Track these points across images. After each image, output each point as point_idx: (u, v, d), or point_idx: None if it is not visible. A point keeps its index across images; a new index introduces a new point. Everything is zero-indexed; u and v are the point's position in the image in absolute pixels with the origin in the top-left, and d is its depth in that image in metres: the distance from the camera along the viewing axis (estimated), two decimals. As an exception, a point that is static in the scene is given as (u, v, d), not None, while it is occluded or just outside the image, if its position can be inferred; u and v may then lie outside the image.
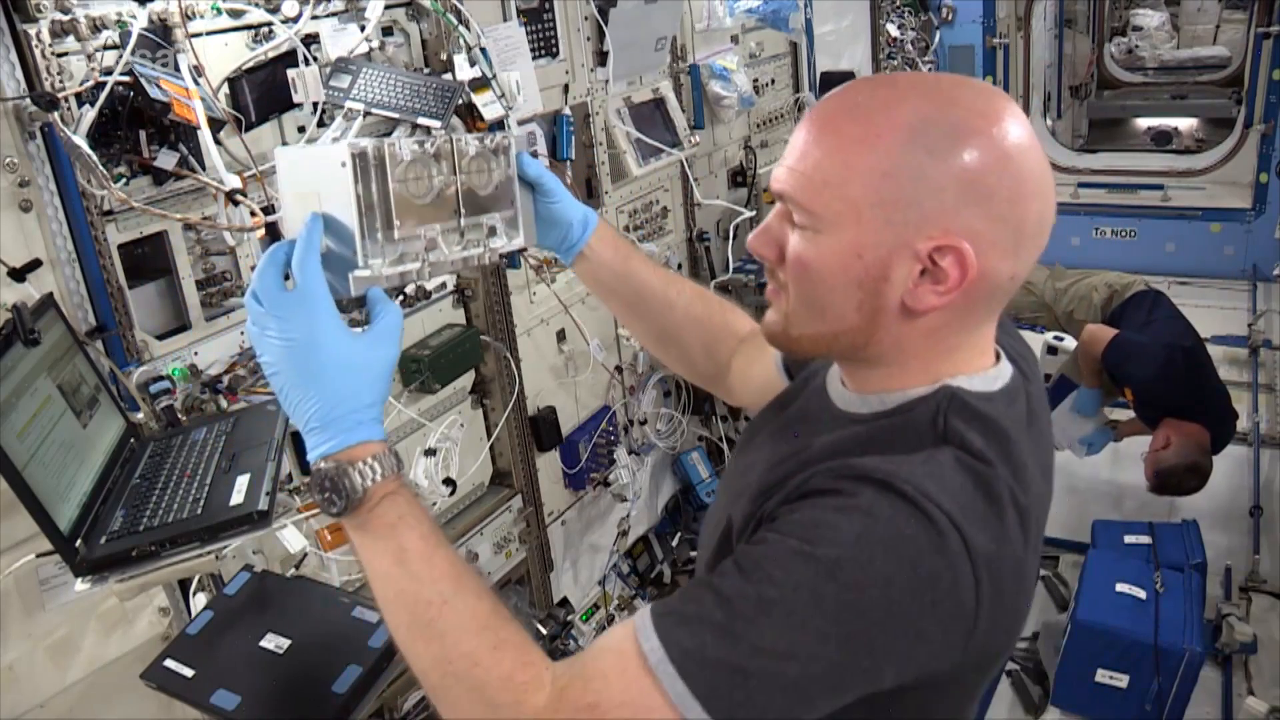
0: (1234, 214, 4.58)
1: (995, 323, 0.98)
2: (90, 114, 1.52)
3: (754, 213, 3.50)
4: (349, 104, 1.88)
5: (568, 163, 2.69)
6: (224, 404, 1.79)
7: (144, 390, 1.66)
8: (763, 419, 1.15)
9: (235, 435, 1.55)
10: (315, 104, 1.87)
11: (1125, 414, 3.33)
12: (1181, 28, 8.50)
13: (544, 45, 2.61)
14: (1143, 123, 7.36)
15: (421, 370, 2.25)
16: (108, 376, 1.59)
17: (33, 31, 1.51)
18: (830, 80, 3.86)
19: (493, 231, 1.10)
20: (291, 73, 1.84)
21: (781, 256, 0.95)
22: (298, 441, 1.90)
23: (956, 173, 0.86)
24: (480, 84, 2.16)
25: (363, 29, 1.99)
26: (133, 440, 1.57)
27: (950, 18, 4.95)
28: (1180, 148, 6.64)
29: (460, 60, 2.15)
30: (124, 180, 1.61)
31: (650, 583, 3.38)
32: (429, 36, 2.22)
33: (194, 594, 1.71)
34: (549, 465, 2.81)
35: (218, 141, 1.66)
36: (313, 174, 0.99)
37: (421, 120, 1.93)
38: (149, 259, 1.78)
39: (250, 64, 1.80)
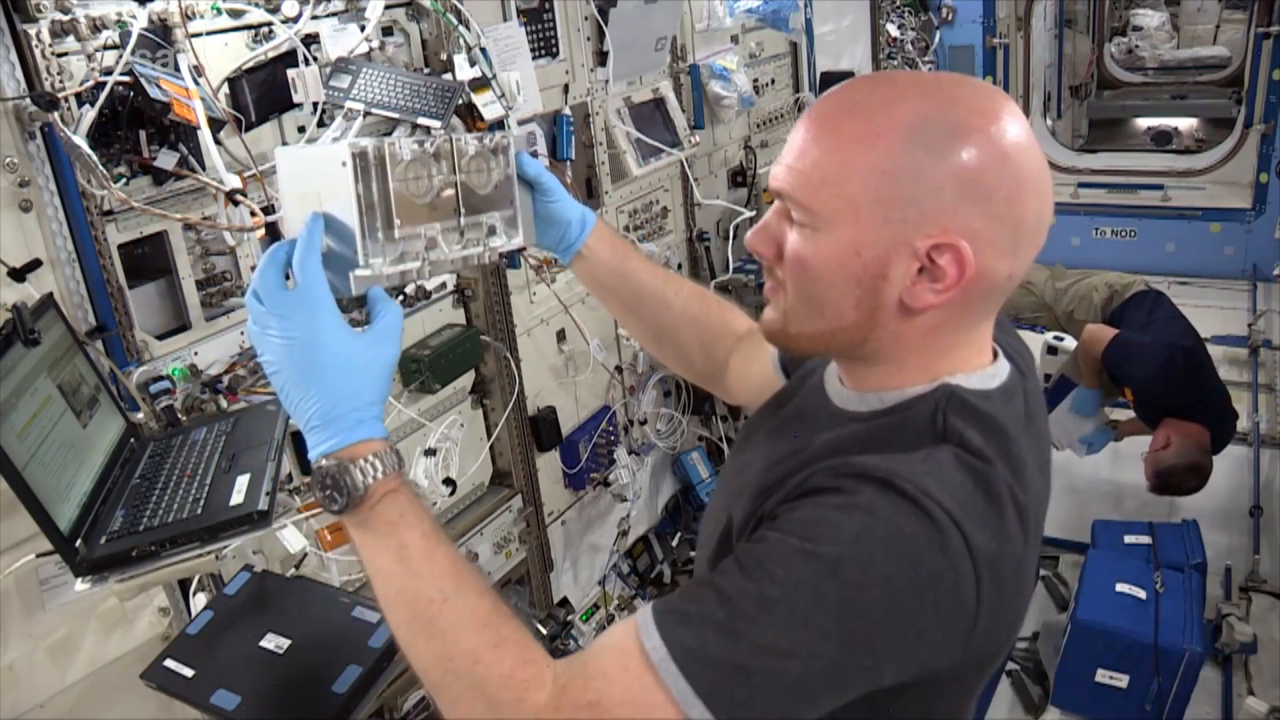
0: (1234, 214, 4.58)
1: (993, 321, 0.99)
2: (90, 114, 1.52)
3: (754, 213, 3.50)
4: (349, 104, 1.88)
5: (568, 163, 2.69)
6: (224, 404, 1.79)
7: (144, 390, 1.66)
8: (760, 417, 1.15)
9: (235, 435, 1.55)
10: (315, 104, 1.87)
11: (1125, 414, 3.33)
12: (1181, 28, 8.50)
13: (544, 45, 2.61)
14: (1143, 123, 7.36)
15: (421, 370, 2.25)
16: (108, 376, 1.59)
17: (33, 31, 1.51)
18: (830, 80, 3.86)
19: (492, 231, 1.10)
20: (291, 73, 1.84)
21: (780, 254, 0.95)
22: (298, 441, 1.90)
23: (955, 171, 0.86)
24: (480, 84, 2.16)
25: (363, 29, 1.99)
26: (133, 440, 1.57)
27: (950, 18, 4.95)
28: (1180, 148, 6.64)
29: (460, 60, 2.15)
30: (124, 180, 1.61)
31: (650, 583, 3.38)
32: (429, 36, 2.22)
33: (194, 594, 1.71)
34: (549, 465, 2.81)
35: (218, 141, 1.66)
36: (313, 174, 0.99)
37: (421, 120, 1.93)
38: (149, 259, 1.78)
39: (250, 64, 1.80)
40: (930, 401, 0.92)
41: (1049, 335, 3.55)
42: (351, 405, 0.93)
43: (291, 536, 1.75)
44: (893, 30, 4.63)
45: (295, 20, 1.84)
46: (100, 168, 1.51)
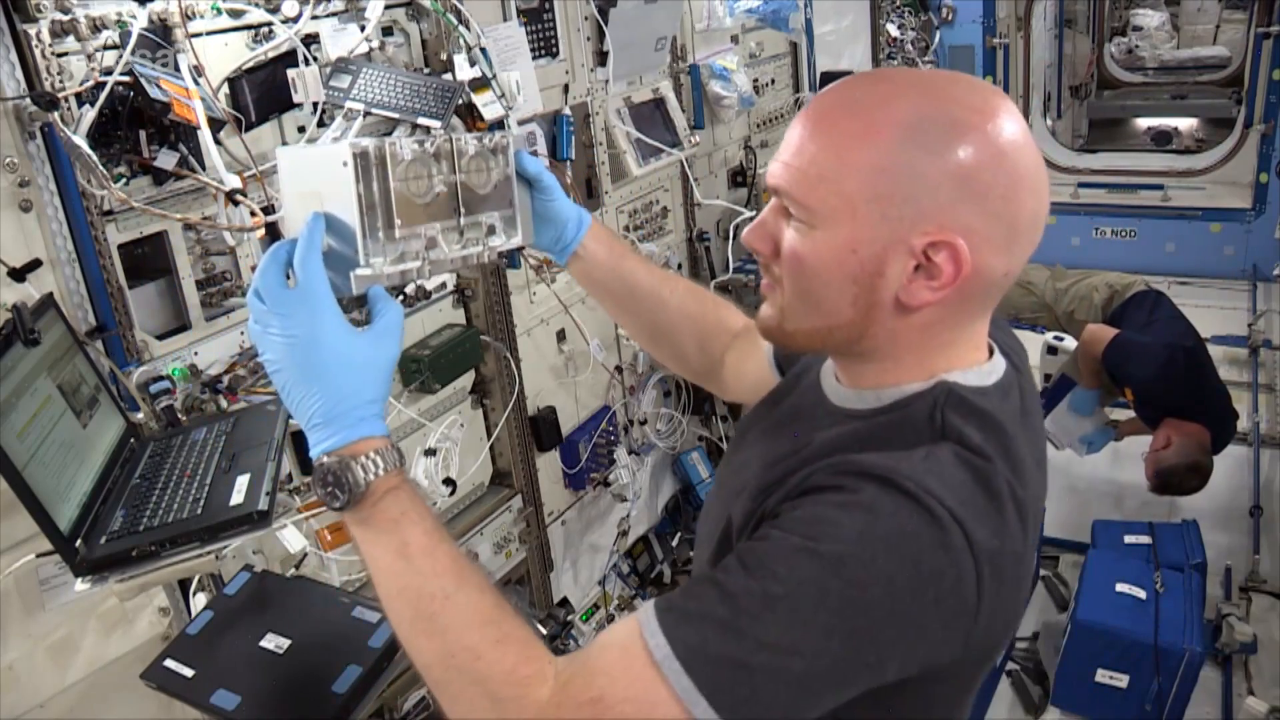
0: (1234, 214, 4.57)
1: (989, 318, 0.99)
2: (90, 114, 1.52)
3: (754, 213, 3.48)
4: (349, 104, 1.88)
5: (568, 163, 2.69)
6: (224, 404, 1.79)
7: (144, 390, 1.66)
8: (755, 416, 1.15)
9: (235, 435, 1.55)
10: (315, 104, 1.87)
11: (1125, 414, 3.33)
12: (1181, 28, 8.50)
13: (544, 45, 2.61)
14: (1143, 123, 7.37)
15: (421, 370, 2.25)
16: (108, 376, 1.59)
17: (33, 31, 1.51)
18: (830, 80, 3.82)
19: (491, 230, 1.10)
20: (291, 73, 1.84)
21: (776, 251, 0.95)
22: (298, 441, 1.90)
23: (952, 169, 0.86)
24: (480, 84, 2.16)
25: (363, 29, 1.99)
26: (133, 440, 1.57)
27: (950, 18, 4.95)
28: (1180, 148, 6.64)
29: (460, 60, 2.15)
30: (124, 180, 1.61)
31: (650, 583, 3.38)
32: (429, 36, 2.23)
33: (194, 594, 1.71)
34: (549, 465, 2.81)
35: (218, 141, 1.66)
36: (314, 173, 0.99)
37: (421, 120, 1.93)
38: (149, 259, 1.78)
39: (250, 64, 1.80)
40: (929, 399, 0.92)
41: (1049, 335, 3.55)
42: (353, 403, 0.93)
43: (291, 536, 1.75)
44: (893, 30, 4.63)
45: (295, 20, 1.84)
46: (100, 168, 1.51)
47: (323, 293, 0.93)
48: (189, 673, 1.36)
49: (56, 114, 1.48)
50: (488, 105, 2.16)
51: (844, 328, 0.94)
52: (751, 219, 1.00)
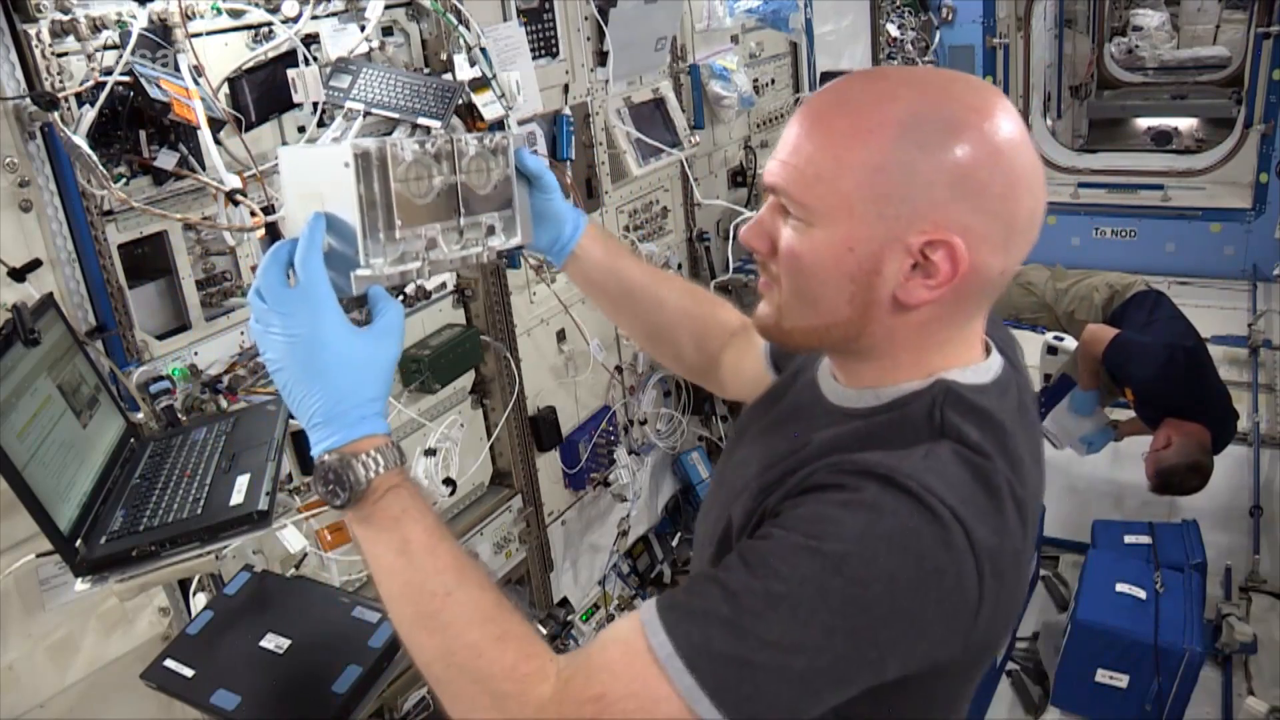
0: (1234, 214, 4.57)
1: (985, 316, 0.99)
2: (90, 114, 1.52)
3: (754, 213, 3.48)
4: (349, 104, 1.88)
5: (568, 163, 2.69)
6: (224, 404, 1.79)
7: (144, 390, 1.66)
8: (752, 416, 1.16)
9: (235, 435, 1.55)
10: (315, 104, 1.87)
11: (1126, 414, 3.33)
12: (1181, 28, 8.50)
13: (544, 45, 2.61)
14: (1143, 123, 7.37)
15: (421, 370, 2.25)
16: (108, 376, 1.59)
17: (33, 31, 1.51)
18: (830, 80, 3.85)
19: (491, 231, 1.11)
20: (291, 73, 1.84)
21: (774, 249, 0.95)
22: (298, 441, 1.90)
23: (948, 168, 0.86)
24: (480, 84, 2.16)
25: (363, 29, 1.99)
26: (133, 440, 1.57)
27: (950, 18, 4.94)
28: (1180, 148, 6.64)
29: (460, 60, 2.15)
30: (124, 180, 1.61)
31: (650, 583, 3.38)
32: (429, 36, 2.23)
33: (194, 594, 1.71)
34: (549, 465, 2.81)
35: (218, 141, 1.66)
36: (315, 173, 0.99)
37: (421, 120, 1.93)
38: (149, 259, 1.78)
39: (250, 64, 1.80)
40: (927, 397, 0.93)
41: (1049, 335, 3.55)
42: (354, 402, 0.93)
43: (291, 536, 1.75)
44: (893, 30, 4.63)
45: (295, 20, 1.84)
46: (100, 168, 1.51)
47: (324, 292, 0.94)
48: (189, 673, 1.36)
49: (56, 114, 1.48)
50: (488, 105, 2.16)
51: (841, 326, 0.94)
52: (751, 219, 1.00)
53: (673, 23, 3.08)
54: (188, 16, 1.67)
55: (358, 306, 1.01)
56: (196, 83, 1.64)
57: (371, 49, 2.04)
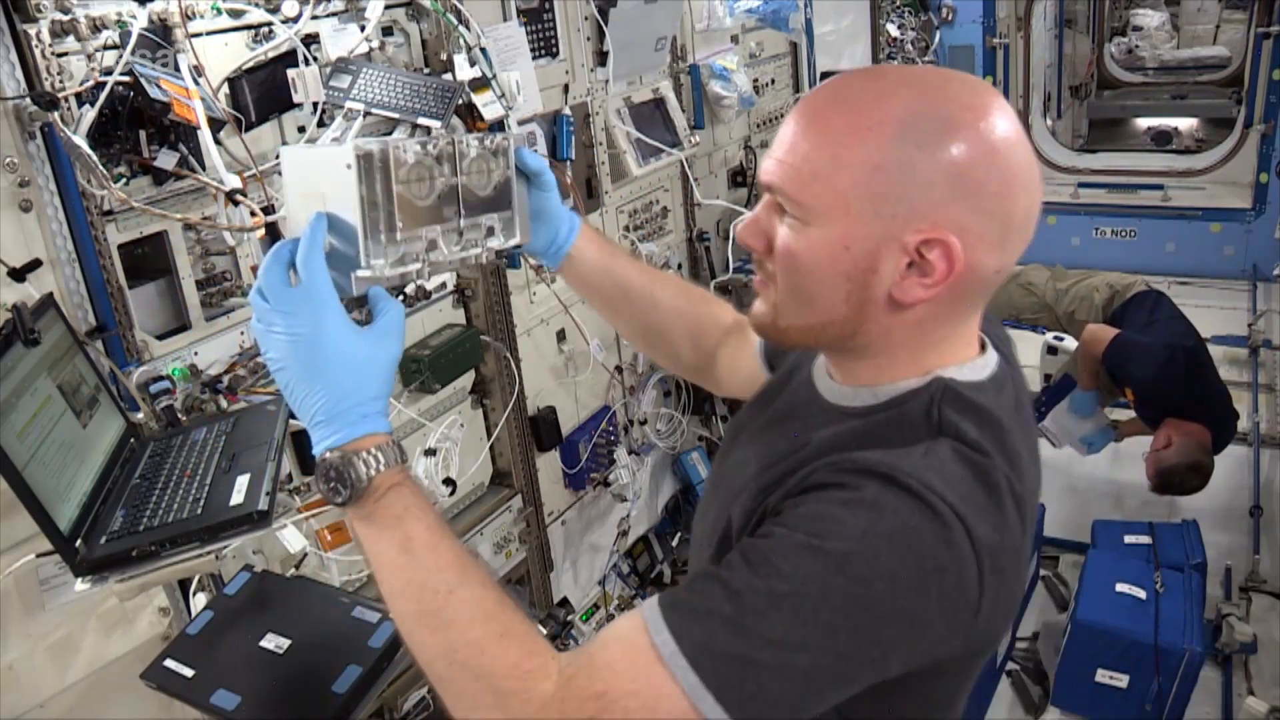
0: (1234, 214, 4.57)
1: (981, 314, 0.99)
2: (90, 114, 1.52)
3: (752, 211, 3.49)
4: (349, 104, 1.88)
5: (568, 163, 2.69)
6: (224, 404, 1.79)
7: (144, 390, 1.66)
8: (747, 415, 1.16)
9: (235, 435, 1.55)
10: (315, 104, 1.87)
11: (1126, 414, 3.33)
12: (1181, 28, 8.50)
13: (544, 45, 2.61)
14: (1143, 123, 7.36)
15: (421, 370, 2.25)
16: (108, 376, 1.59)
17: (33, 31, 1.51)
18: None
19: (490, 232, 1.11)
20: (291, 73, 1.84)
21: (770, 247, 0.95)
22: (298, 441, 1.90)
23: (945, 167, 0.86)
24: (480, 84, 2.16)
25: (363, 29, 1.99)
26: (133, 440, 1.57)
27: (950, 18, 4.94)
28: (1180, 148, 6.64)
29: (460, 60, 2.15)
30: (124, 180, 1.61)
31: (650, 583, 3.38)
32: (429, 36, 2.22)
33: (194, 594, 1.71)
34: (549, 465, 2.81)
35: (218, 141, 1.66)
36: (317, 174, 0.99)
37: (421, 120, 1.93)
38: (149, 259, 1.78)
39: (250, 64, 1.80)
40: (925, 395, 0.93)
41: (1049, 335, 3.55)
42: (356, 400, 0.93)
43: (291, 536, 1.75)
44: (893, 30, 4.63)
45: (295, 20, 1.84)
46: (100, 168, 1.51)
47: (326, 291, 0.94)
48: (189, 673, 1.36)
49: (56, 114, 1.48)
50: (488, 105, 2.16)
51: (837, 324, 0.94)
52: (747, 217, 1.00)
53: (673, 23, 3.08)
54: (188, 16, 1.67)
55: (358, 306, 1.01)
56: (196, 83, 1.63)
57: (371, 49, 2.04)
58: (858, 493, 0.82)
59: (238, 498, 1.36)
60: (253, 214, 1.63)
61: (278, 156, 1.70)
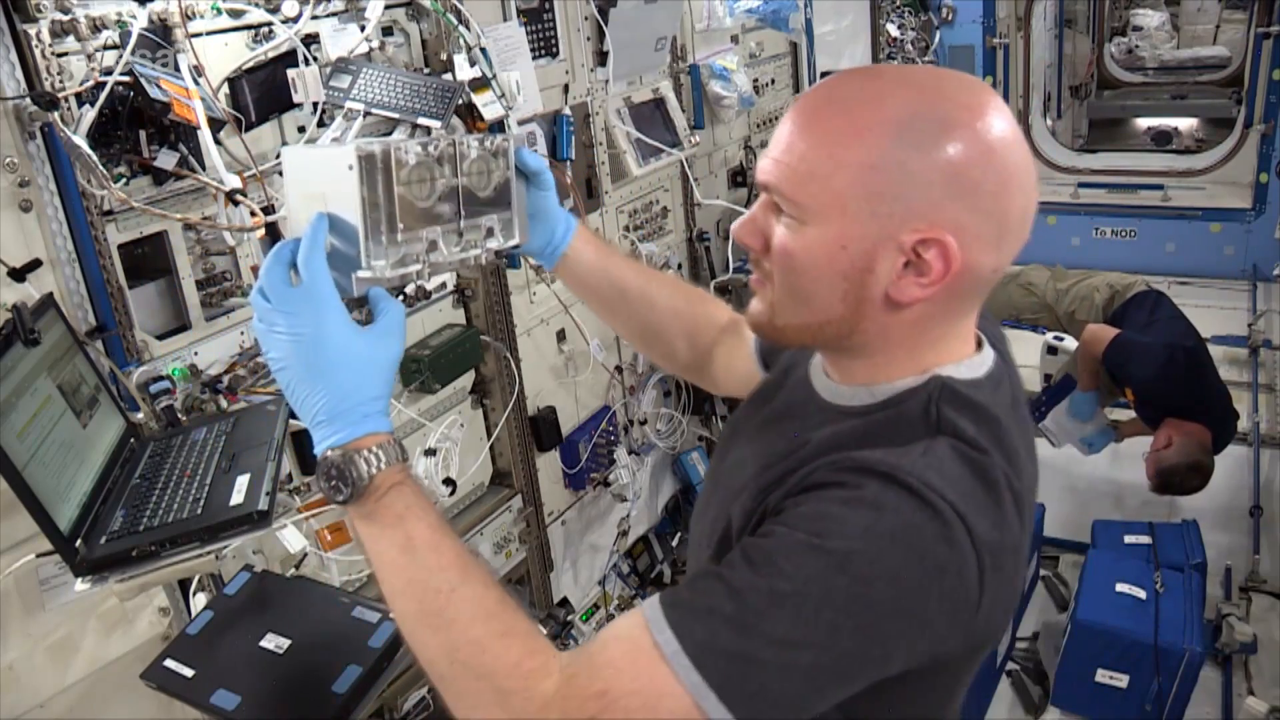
0: (1234, 214, 4.57)
1: (977, 313, 0.99)
2: (90, 114, 1.52)
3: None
4: (349, 104, 1.88)
5: (568, 163, 2.69)
6: (224, 404, 1.79)
7: (144, 390, 1.66)
8: (744, 415, 1.16)
9: (235, 435, 1.55)
10: (315, 104, 1.87)
11: (1126, 414, 3.33)
12: (1181, 28, 8.50)
13: (544, 45, 2.61)
14: (1143, 123, 7.36)
15: (421, 370, 2.25)
16: (108, 376, 1.59)
17: (33, 31, 1.51)
18: (829, 79, 3.85)
19: (490, 233, 1.11)
20: (291, 73, 1.84)
21: (767, 246, 0.96)
22: (298, 441, 1.90)
23: (942, 166, 0.87)
24: (480, 84, 2.16)
25: (363, 29, 1.99)
26: (133, 440, 1.57)
27: (950, 18, 4.94)
28: (1180, 148, 6.64)
29: (460, 60, 2.15)
30: (124, 180, 1.61)
31: (650, 583, 3.38)
32: (429, 36, 2.22)
33: (194, 594, 1.71)
34: (549, 465, 2.81)
35: (218, 141, 1.66)
36: (319, 174, 1.00)
37: (421, 120, 1.93)
38: (149, 259, 1.78)
39: (250, 64, 1.80)
40: (923, 394, 0.93)
41: (1049, 335, 3.55)
42: (357, 400, 0.94)
43: (291, 536, 1.75)
44: (893, 30, 4.63)
45: (295, 20, 1.84)
46: (100, 168, 1.51)
47: (327, 291, 0.94)
48: (189, 673, 1.36)
49: (56, 114, 1.48)
50: (488, 105, 2.16)
51: (834, 323, 0.94)
52: (744, 216, 1.00)
53: (673, 23, 3.08)
54: (188, 16, 1.67)
55: (358, 306, 1.01)
56: (196, 83, 1.64)
57: (371, 49, 2.04)
58: (858, 492, 0.83)
59: (238, 498, 1.36)
60: (253, 214, 1.63)
61: (278, 156, 1.70)
